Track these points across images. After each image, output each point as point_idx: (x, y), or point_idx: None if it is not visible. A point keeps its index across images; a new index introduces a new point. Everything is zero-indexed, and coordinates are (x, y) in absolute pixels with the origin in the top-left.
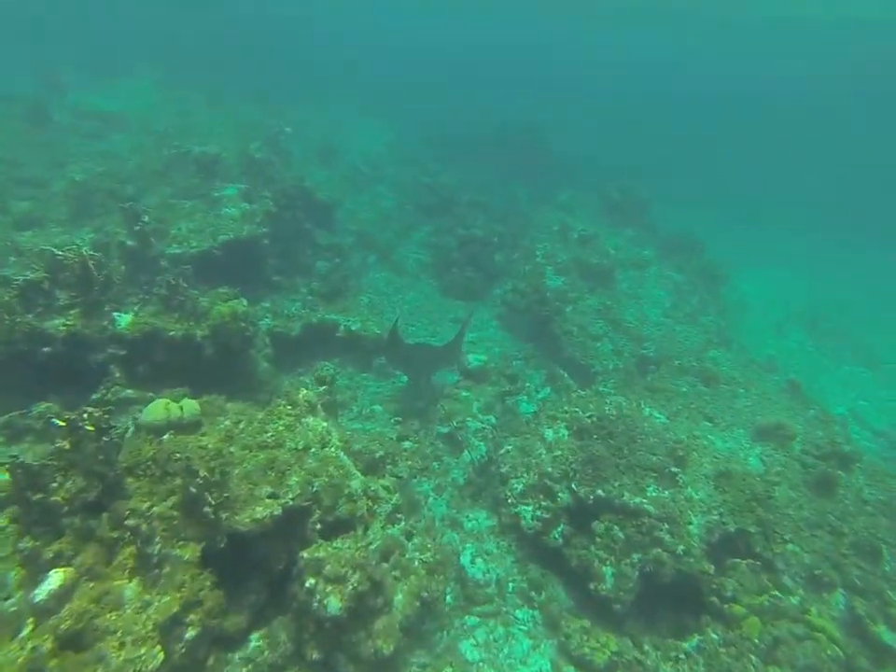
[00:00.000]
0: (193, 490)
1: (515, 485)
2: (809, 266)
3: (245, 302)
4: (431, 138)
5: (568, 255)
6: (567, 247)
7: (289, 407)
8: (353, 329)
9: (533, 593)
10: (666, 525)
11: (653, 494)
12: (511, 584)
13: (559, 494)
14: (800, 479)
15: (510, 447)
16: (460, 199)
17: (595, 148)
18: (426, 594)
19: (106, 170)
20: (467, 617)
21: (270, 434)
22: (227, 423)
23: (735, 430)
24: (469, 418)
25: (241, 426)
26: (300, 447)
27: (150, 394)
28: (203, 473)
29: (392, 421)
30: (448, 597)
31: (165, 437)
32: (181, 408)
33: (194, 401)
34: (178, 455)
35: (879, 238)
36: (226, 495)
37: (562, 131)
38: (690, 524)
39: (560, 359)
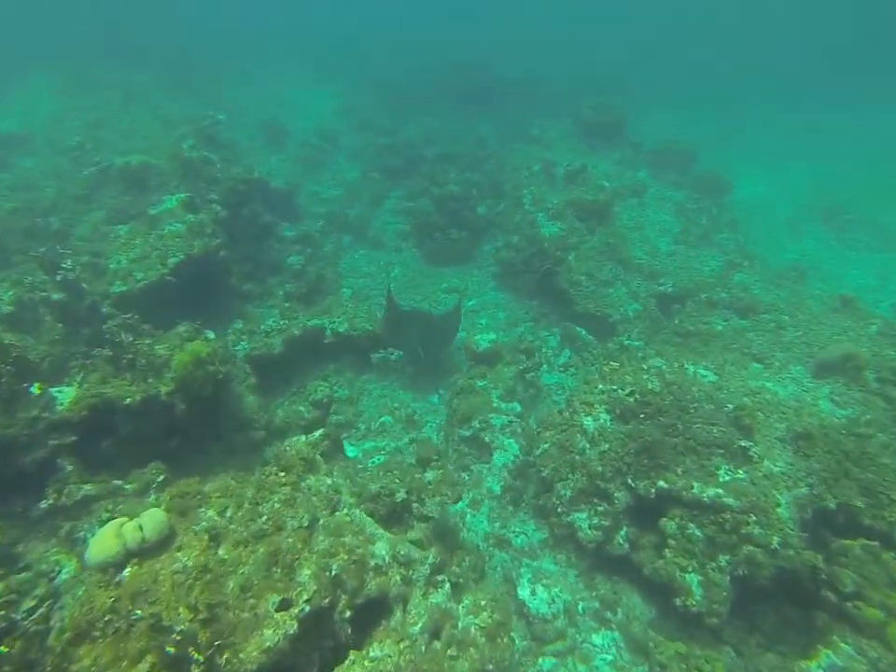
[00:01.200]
0: (171, 651)
1: (563, 491)
2: (805, 149)
3: (210, 337)
4: (383, 96)
5: (559, 196)
6: (555, 187)
7: (282, 474)
8: (340, 330)
9: (608, 612)
10: (753, 516)
11: (727, 478)
12: (580, 605)
13: (615, 494)
14: (888, 417)
15: (546, 445)
16: (426, 154)
17: (549, 71)
18: (490, 666)
19: (18, 205)
20: (541, 660)
21: (265, 517)
22: (210, 514)
23: (793, 369)
24: (491, 414)
25: (228, 514)
26: (305, 524)
27: (117, 481)
28: (180, 627)
29: (406, 432)
30: (515, 641)
31: (126, 571)
32: (139, 526)
33: (157, 511)
34: (140, 611)
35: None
36: (221, 638)
37: (514, 59)
38: (778, 506)
39: (572, 314)
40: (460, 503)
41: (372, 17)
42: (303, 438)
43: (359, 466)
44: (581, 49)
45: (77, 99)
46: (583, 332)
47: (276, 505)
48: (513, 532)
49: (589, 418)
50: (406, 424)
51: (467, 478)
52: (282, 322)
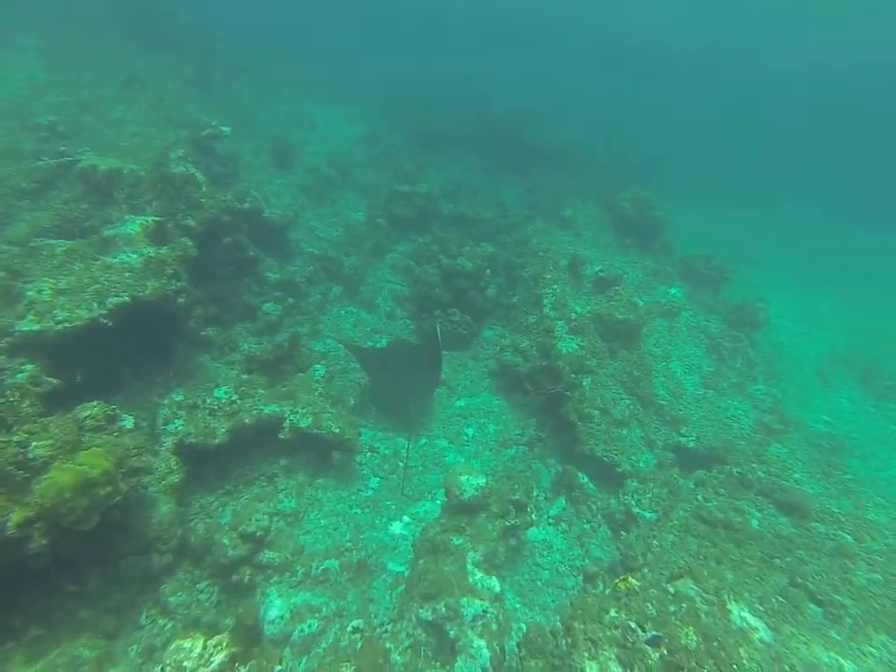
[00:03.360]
0: None
1: None
2: (838, 273)
3: (126, 427)
4: (410, 131)
5: (584, 305)
6: (581, 291)
7: None
8: (302, 426)
9: None
10: None
11: None
12: None
13: None
14: None
15: None
16: (442, 209)
17: (582, 136)
18: None
19: None
20: None
21: None
22: None
23: (876, 638)
24: (463, 597)
25: None
26: None
27: None
28: None
29: (352, 586)
30: None
31: None
32: None
33: None
34: None
35: None
36: None
37: (549, 119)
38: None
39: (576, 454)
40: None
41: (419, 46)
42: (197, 648)
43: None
44: (619, 123)
45: (69, 74)
46: (585, 479)
47: None
48: None
49: (593, 665)
50: (355, 573)
51: None
52: (234, 397)
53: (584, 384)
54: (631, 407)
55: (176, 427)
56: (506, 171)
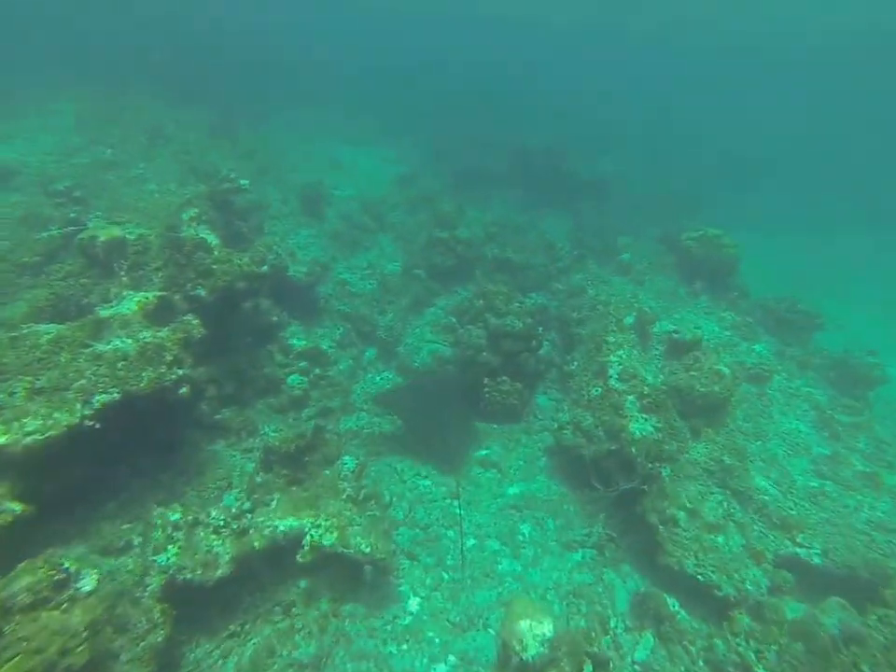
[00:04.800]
0: None
1: None
2: None
3: (83, 590)
4: (445, 168)
5: (658, 375)
6: (652, 356)
7: None
8: (325, 543)
9: None
10: None
11: None
12: None
13: None
14: None
15: None
16: (486, 253)
17: (626, 163)
18: None
19: None
20: None
21: None
22: None
23: None
24: None
25: None
26: None
27: None
28: None
29: None
30: None
31: None
32: None
33: None
34: None
35: None
36: None
37: (584, 146)
38: None
39: (659, 568)
40: None
41: (449, 80)
42: None
43: None
44: (657, 149)
45: (99, 132)
46: (676, 606)
47: None
48: None
49: None
50: None
51: None
52: (245, 505)
53: (663, 474)
54: (725, 505)
55: (168, 559)
56: (549, 205)
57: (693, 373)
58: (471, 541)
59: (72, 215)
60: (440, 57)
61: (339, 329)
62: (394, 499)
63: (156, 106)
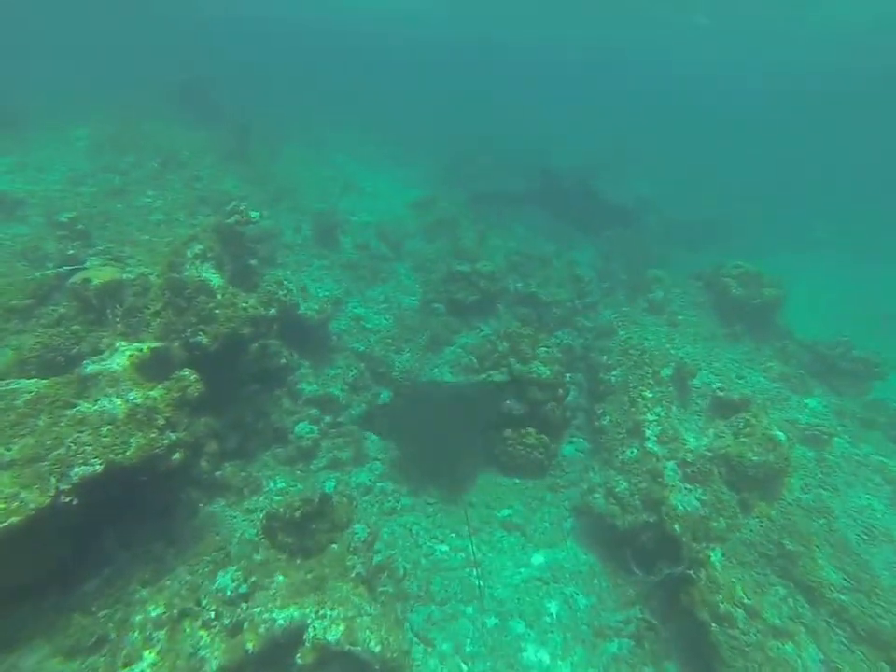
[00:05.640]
0: None
1: None
2: None
3: None
4: (466, 192)
5: (701, 438)
6: (692, 411)
7: None
8: (329, 639)
9: None
10: None
11: None
12: None
13: None
14: None
15: None
16: (509, 286)
17: (654, 188)
18: None
19: None
20: None
21: None
22: None
23: None
24: None
25: None
26: None
27: None
28: None
29: None
30: None
31: None
32: None
33: None
34: None
35: None
36: None
37: (612, 169)
38: None
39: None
40: None
41: (471, 101)
42: None
43: None
44: (686, 172)
45: (111, 158)
46: None
47: None
48: None
49: None
50: None
51: None
52: (242, 588)
53: (713, 559)
54: (790, 602)
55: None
56: (575, 231)
57: (743, 439)
58: (493, 621)
59: (70, 251)
60: (468, 77)
61: (352, 370)
62: (408, 570)
63: (172, 129)
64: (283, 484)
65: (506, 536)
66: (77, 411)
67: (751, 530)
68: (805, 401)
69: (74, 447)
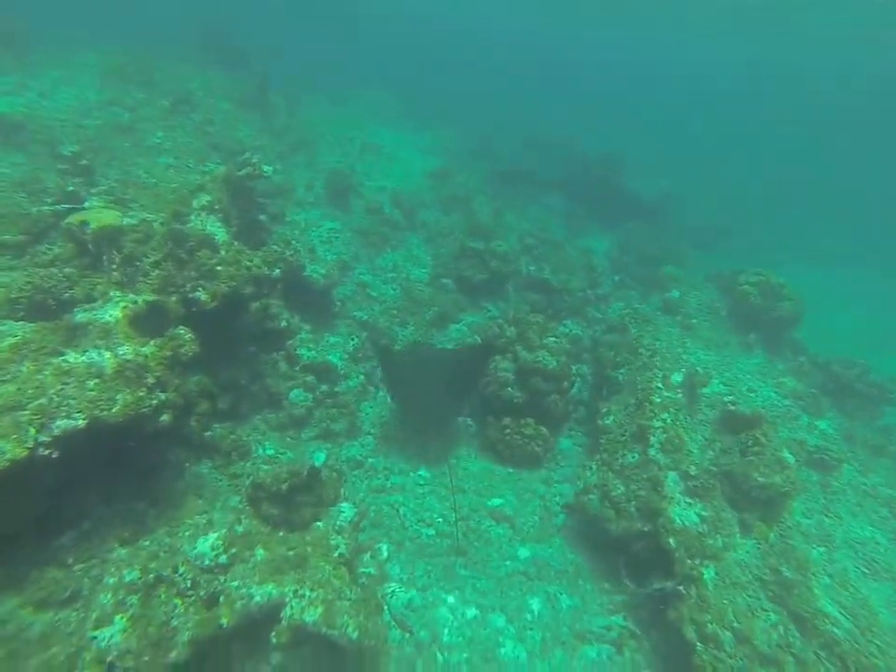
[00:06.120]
0: None
1: None
2: None
3: None
4: (488, 166)
5: (707, 451)
6: (699, 421)
7: None
8: (307, 620)
9: None
10: None
11: None
12: None
13: None
14: None
15: None
16: (521, 268)
17: (682, 184)
18: None
19: None
20: None
21: None
22: None
23: None
24: None
25: None
26: None
27: None
28: None
29: None
30: None
31: None
32: None
33: None
34: None
35: None
36: None
37: (641, 163)
38: None
39: None
40: None
41: (506, 78)
42: None
43: None
44: (717, 170)
45: (120, 91)
46: None
47: None
48: None
49: None
50: None
51: None
52: (222, 558)
53: (705, 576)
54: (782, 630)
55: (111, 638)
56: (594, 220)
57: (751, 458)
58: (473, 611)
59: (70, 188)
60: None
61: (353, 339)
62: (392, 553)
63: (189, 68)
64: (272, 451)
65: (494, 526)
66: (63, 360)
67: (747, 551)
68: (817, 423)
69: (57, 399)
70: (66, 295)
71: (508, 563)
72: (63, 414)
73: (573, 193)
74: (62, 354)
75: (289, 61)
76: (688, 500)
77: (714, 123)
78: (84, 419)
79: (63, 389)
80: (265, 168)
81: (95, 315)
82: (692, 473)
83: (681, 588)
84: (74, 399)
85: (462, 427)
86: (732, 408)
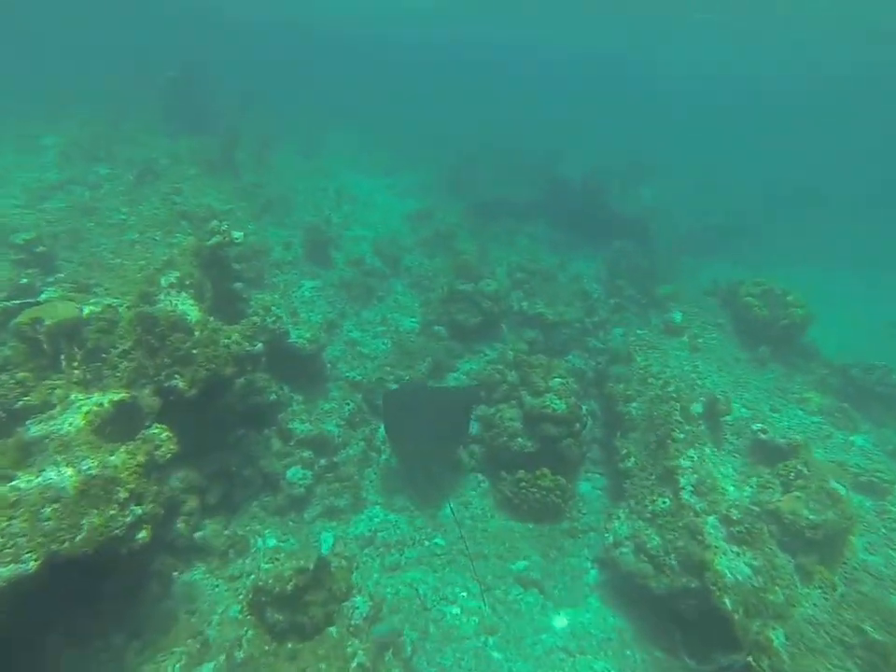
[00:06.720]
0: None
1: None
2: None
3: None
4: (465, 201)
5: (742, 487)
6: (727, 452)
7: None
8: None
9: None
10: None
11: None
12: None
13: None
14: None
15: None
16: (513, 305)
17: (663, 193)
18: None
19: None
20: None
21: None
22: None
23: None
24: None
25: None
26: None
27: None
28: None
29: None
30: None
31: None
32: None
33: None
34: None
35: None
36: None
37: (619, 175)
38: None
39: None
40: None
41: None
42: None
43: None
44: (696, 176)
45: (83, 169)
46: None
47: None
48: None
49: None
50: None
51: None
52: None
53: (776, 643)
54: None
55: None
56: (580, 242)
57: (796, 493)
58: None
59: (23, 280)
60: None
61: (348, 403)
62: (416, 643)
63: (153, 139)
64: (273, 541)
65: (523, 594)
66: (10, 488)
67: (815, 604)
68: (852, 439)
69: (4, 536)
70: (19, 404)
71: (544, 637)
72: (9, 559)
73: (556, 217)
74: (11, 479)
75: (255, 112)
76: (734, 549)
77: (705, 127)
78: (36, 560)
79: (9, 526)
80: (235, 234)
81: (52, 425)
82: (733, 517)
83: (751, 660)
84: (23, 536)
85: (465, 460)
86: (763, 437)
